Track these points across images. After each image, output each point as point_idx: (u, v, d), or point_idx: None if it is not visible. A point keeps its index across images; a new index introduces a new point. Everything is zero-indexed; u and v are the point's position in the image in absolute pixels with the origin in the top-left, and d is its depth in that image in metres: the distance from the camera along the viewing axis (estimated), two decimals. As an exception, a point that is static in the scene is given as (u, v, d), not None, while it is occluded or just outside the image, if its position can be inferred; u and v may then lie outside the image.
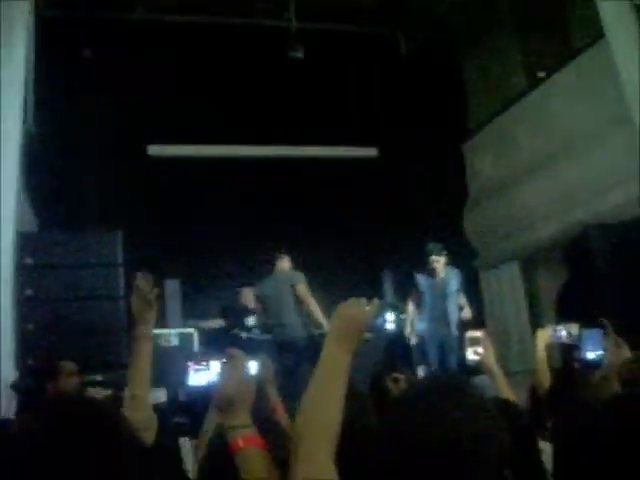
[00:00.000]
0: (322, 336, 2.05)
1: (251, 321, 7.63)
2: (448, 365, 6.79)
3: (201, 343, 7.08)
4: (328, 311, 6.22)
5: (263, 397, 3.04)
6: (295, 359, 6.49)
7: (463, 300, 7.22)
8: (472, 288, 7.96)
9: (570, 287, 7.02)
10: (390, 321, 8.13)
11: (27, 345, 5.21)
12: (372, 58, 9.33)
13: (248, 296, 7.80)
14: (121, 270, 5.77)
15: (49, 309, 5.46)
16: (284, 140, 9.07)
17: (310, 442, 1.49)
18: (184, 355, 5.86)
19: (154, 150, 8.79)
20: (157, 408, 2.50)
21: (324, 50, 8.65)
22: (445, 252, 7.11)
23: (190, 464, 3.10)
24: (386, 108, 9.36)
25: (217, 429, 2.01)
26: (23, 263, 5.39)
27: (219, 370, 1.74)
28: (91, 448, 1.34)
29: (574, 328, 4.15)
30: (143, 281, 2.30)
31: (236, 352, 1.73)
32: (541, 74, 8.15)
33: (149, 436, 2.13)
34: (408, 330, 7.16)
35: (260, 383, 2.90)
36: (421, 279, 7.11)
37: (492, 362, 2.92)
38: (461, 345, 6.49)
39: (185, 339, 6.93)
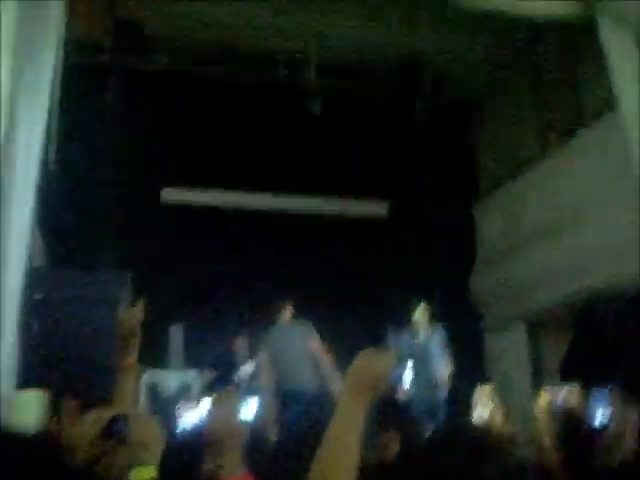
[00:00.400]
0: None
1: (246, 370, 7.48)
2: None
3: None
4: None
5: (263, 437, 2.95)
6: (301, 411, 6.32)
7: (446, 359, 6.89)
8: (477, 349, 7.86)
9: (576, 350, 6.95)
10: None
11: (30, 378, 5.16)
12: (387, 120, 9.40)
13: (242, 345, 7.68)
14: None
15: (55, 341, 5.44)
16: (295, 191, 9.17)
17: None
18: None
19: (168, 195, 8.86)
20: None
21: (340, 108, 8.77)
22: (427, 307, 6.83)
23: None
24: (398, 168, 9.42)
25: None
26: (33, 298, 5.39)
27: (208, 408, 1.65)
28: None
29: (574, 391, 4.09)
30: (127, 314, 2.22)
31: (231, 390, 1.69)
32: (554, 139, 8.23)
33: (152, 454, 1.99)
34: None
35: (260, 423, 2.80)
36: (402, 342, 6.82)
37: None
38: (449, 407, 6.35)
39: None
